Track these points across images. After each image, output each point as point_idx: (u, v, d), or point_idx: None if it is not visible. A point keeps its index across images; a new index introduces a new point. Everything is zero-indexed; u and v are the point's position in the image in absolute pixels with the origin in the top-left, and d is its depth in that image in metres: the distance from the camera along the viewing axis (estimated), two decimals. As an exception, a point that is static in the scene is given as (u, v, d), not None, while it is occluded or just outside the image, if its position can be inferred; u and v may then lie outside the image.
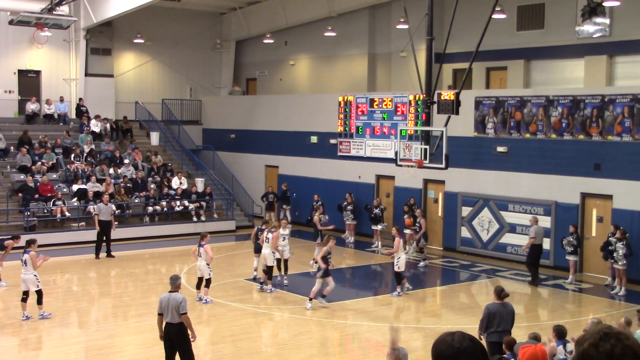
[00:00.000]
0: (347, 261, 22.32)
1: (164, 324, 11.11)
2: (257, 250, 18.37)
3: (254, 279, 18.55)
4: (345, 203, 24.88)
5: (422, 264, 21.20)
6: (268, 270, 17.71)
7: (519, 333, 12.28)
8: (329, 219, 23.03)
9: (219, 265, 19.99)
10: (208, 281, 16.51)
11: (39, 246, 16.07)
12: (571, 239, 18.90)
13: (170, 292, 11.17)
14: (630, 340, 2.76)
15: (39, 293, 15.01)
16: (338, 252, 23.42)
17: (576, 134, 20.08)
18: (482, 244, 22.19)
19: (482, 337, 11.21)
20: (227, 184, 29.62)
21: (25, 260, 14.99)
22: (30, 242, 15.41)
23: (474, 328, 11.85)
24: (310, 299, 16.29)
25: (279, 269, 18.50)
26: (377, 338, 14.93)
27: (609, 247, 18.23)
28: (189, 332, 11.10)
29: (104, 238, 21.88)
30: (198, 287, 16.75)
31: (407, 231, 21.92)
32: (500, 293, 11.49)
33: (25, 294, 15.04)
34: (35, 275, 14.97)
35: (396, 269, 17.45)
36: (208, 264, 16.40)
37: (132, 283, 19.44)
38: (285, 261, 18.65)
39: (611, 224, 19.00)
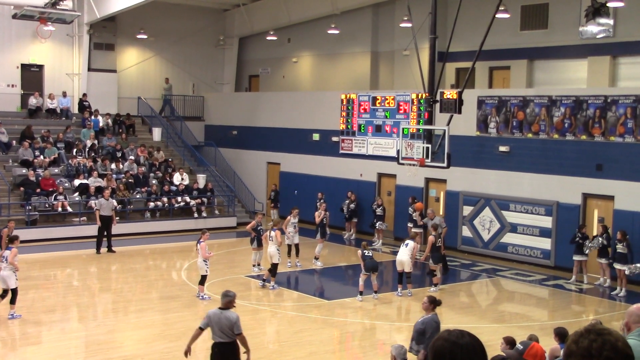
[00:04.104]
0: (347, 258, 22.30)
1: (199, 338, 10.40)
2: (259, 244, 19.03)
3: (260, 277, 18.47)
4: (347, 201, 24.91)
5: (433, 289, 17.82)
6: (273, 268, 17.73)
7: (520, 333, 12.27)
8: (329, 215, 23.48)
9: (219, 262, 20.02)
10: (203, 278, 16.52)
11: (38, 241, 16.03)
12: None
13: (220, 309, 10.06)
14: (612, 336, 2.76)
15: (14, 292, 14.63)
16: (338, 250, 23.45)
17: (578, 134, 20.06)
18: (483, 244, 22.18)
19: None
20: (229, 180, 29.63)
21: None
22: (12, 239, 15.17)
23: (474, 327, 11.86)
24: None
25: (289, 254, 20.20)
26: (377, 336, 14.95)
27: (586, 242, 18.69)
28: (244, 351, 10.13)
29: (105, 233, 21.90)
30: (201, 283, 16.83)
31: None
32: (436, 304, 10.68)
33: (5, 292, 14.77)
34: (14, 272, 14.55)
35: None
36: (205, 261, 16.41)
37: (132, 278, 19.46)
38: (296, 245, 20.31)
39: (598, 222, 19.23)
